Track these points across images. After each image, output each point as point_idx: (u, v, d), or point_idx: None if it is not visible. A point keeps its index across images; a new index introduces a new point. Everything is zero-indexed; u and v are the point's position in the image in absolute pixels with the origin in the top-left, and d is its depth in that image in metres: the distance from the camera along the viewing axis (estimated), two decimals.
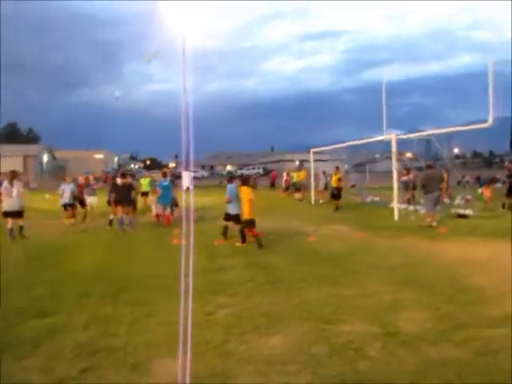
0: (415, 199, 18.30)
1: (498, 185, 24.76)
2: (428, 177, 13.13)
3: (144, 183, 18.24)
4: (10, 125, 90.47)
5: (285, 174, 29.77)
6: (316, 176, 23.08)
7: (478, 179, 25.47)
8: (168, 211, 14.00)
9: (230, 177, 12.06)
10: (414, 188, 18.55)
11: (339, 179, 18.56)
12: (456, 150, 70.86)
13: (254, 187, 29.85)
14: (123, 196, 13.00)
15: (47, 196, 24.44)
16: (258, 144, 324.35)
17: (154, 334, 4.61)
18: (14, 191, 11.01)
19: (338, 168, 19.84)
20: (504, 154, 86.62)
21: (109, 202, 13.64)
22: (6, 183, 11.20)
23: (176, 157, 74.98)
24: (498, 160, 77.46)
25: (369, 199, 22.02)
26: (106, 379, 3.67)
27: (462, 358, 3.92)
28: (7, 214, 11.09)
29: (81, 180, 17.10)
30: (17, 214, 11.16)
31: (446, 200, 17.97)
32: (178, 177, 27.28)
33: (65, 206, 14.49)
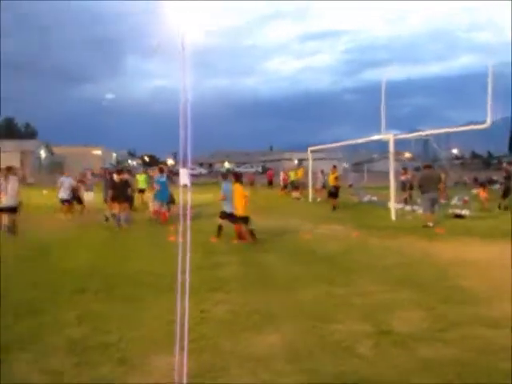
0: (412, 199, 18.35)
1: (496, 186, 24.79)
2: (425, 177, 13.14)
3: (140, 179, 18.18)
4: (7, 120, 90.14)
5: (282, 173, 29.80)
6: (314, 175, 23.10)
7: (475, 180, 25.48)
8: (165, 208, 13.98)
9: (225, 174, 11.93)
10: (412, 188, 18.60)
11: (336, 178, 18.55)
12: (455, 151, 70.84)
13: (252, 185, 30.14)
14: (120, 192, 12.97)
15: (44, 192, 24.38)
16: (258, 143, 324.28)
17: (147, 330, 4.61)
18: (9, 187, 10.96)
19: (335, 167, 19.80)
20: (502, 155, 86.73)
21: (105, 200, 13.62)
22: (1, 179, 11.15)
23: (174, 154, 74.93)
24: (496, 161, 77.52)
25: (366, 199, 22.04)
26: (99, 374, 3.67)
27: (455, 357, 3.93)
28: (2, 210, 11.04)
29: (79, 177, 17.12)
30: (11, 210, 11.11)
31: (443, 200, 17.99)
32: (176, 173, 27.23)
33: (62, 201, 14.45)
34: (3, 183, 11.02)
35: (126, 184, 13.38)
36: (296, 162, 53.68)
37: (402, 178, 18.99)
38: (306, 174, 24.80)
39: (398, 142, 16.11)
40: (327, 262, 8.02)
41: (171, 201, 14.50)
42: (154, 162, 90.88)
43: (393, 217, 14.34)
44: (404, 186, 18.80)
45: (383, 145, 18.35)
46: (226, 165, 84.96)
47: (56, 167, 48.96)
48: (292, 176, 26.79)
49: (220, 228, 10.37)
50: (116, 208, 12.89)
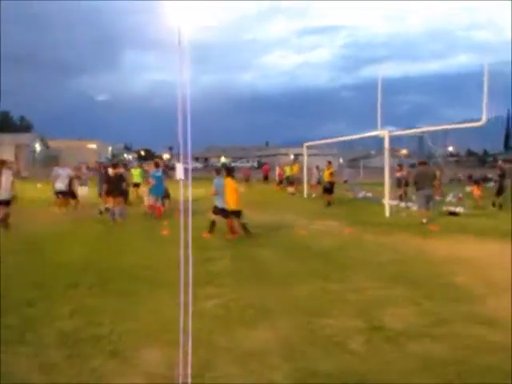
0: (407, 196, 18.39)
1: (491, 184, 24.90)
2: (420, 173, 13.17)
3: (135, 174, 18.10)
4: (2, 113, 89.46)
5: (278, 168, 29.80)
6: (309, 170, 23.10)
7: (469, 177, 25.57)
8: (160, 203, 13.94)
9: (219, 169, 11.77)
10: (407, 184, 18.64)
11: (331, 174, 18.56)
12: (451, 148, 71.08)
13: (247, 180, 30.13)
14: (114, 186, 12.90)
15: (39, 185, 24.26)
16: (254, 138, 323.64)
17: (141, 324, 4.61)
18: (3, 181, 10.89)
19: (330, 162, 19.79)
20: (498, 153, 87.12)
21: (100, 194, 13.55)
22: None
23: (170, 148, 74.69)
24: (491, 159, 77.88)
25: (361, 195, 22.08)
26: (90, 366, 3.67)
27: (446, 354, 3.96)
28: None
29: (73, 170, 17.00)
30: (5, 203, 11.04)
31: (438, 197, 18.05)
32: (172, 168, 27.14)
33: (57, 193, 14.35)
34: None
35: (120, 178, 13.30)
36: (292, 157, 53.64)
37: (397, 174, 19.02)
38: (301, 169, 24.82)
39: (394, 139, 16.14)
40: (322, 257, 8.04)
41: (166, 195, 14.47)
42: (149, 156, 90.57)
43: (387, 213, 14.37)
44: (399, 183, 18.83)
45: (380, 141, 18.37)
46: (223, 159, 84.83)
47: (51, 161, 48.64)
48: (287, 171, 26.81)
49: (213, 223, 10.30)
50: (110, 202, 12.83)
